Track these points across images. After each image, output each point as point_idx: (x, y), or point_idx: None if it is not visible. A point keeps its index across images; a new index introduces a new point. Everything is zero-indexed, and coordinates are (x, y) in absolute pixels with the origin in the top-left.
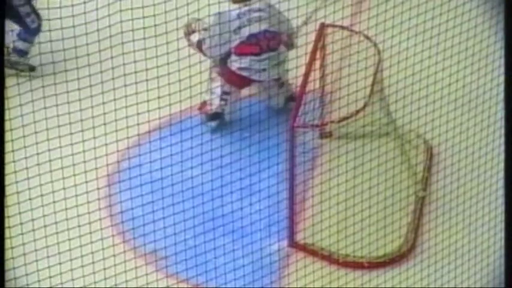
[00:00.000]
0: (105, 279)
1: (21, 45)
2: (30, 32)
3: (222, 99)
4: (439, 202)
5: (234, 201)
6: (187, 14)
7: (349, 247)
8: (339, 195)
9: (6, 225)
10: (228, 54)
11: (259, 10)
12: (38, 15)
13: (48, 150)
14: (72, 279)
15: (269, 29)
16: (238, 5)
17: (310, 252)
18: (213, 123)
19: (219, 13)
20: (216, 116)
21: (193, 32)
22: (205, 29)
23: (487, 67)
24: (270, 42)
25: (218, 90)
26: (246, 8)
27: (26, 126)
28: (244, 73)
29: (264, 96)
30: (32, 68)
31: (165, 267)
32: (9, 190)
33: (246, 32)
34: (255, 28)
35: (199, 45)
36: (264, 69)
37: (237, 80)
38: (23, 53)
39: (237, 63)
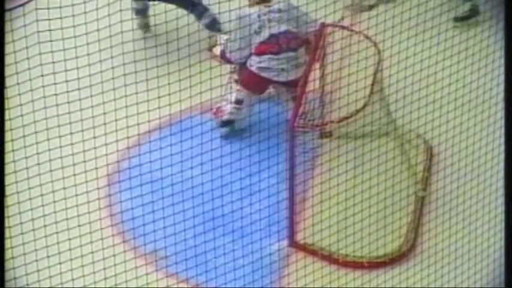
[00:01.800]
0: (105, 279)
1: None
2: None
3: (235, 107)
4: (439, 202)
5: (234, 201)
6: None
7: (349, 247)
8: (339, 195)
9: (6, 225)
10: (248, 56)
11: (280, 11)
12: None
13: (48, 150)
14: (72, 279)
15: (291, 29)
16: (258, 7)
17: (310, 252)
18: (224, 130)
19: (240, 16)
20: (227, 123)
21: (215, 45)
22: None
23: (487, 67)
24: (291, 42)
25: (232, 98)
26: (266, 9)
27: (26, 126)
28: (264, 73)
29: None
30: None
31: (165, 267)
32: (9, 190)
33: (266, 32)
34: (275, 28)
35: (223, 55)
36: (283, 69)
37: (256, 83)
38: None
39: (256, 63)
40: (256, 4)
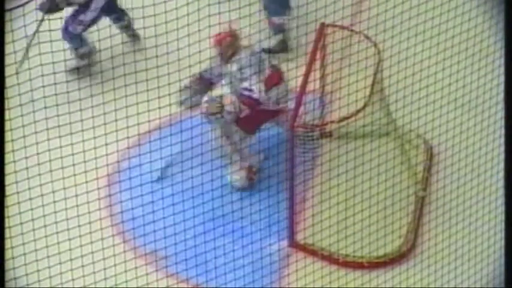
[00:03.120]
0: (105, 279)
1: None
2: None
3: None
4: (439, 202)
5: (234, 201)
6: (187, 14)
7: (349, 247)
8: (339, 195)
9: (6, 225)
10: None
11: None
12: None
13: (48, 150)
14: (72, 279)
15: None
16: (243, 50)
17: (310, 252)
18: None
19: (252, 54)
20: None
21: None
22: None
23: (487, 67)
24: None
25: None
26: (249, 52)
27: (26, 126)
28: (278, 104)
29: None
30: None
31: (165, 267)
32: (9, 190)
33: (266, 64)
34: (267, 59)
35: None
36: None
37: (262, 120)
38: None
39: (274, 96)
40: (232, 56)
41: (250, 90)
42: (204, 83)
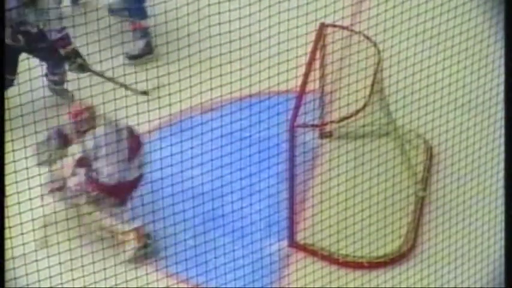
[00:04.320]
0: (105, 279)
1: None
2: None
3: None
4: (439, 202)
5: (234, 201)
6: (188, 14)
7: (349, 247)
8: (339, 195)
9: (6, 225)
10: None
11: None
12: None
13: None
14: (72, 279)
15: None
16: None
17: (310, 252)
18: None
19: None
20: None
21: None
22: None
23: (487, 67)
24: None
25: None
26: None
27: (26, 126)
28: None
29: None
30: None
31: (165, 267)
32: (9, 190)
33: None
34: None
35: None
36: None
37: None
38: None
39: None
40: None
41: (101, 172)
42: (63, 137)
